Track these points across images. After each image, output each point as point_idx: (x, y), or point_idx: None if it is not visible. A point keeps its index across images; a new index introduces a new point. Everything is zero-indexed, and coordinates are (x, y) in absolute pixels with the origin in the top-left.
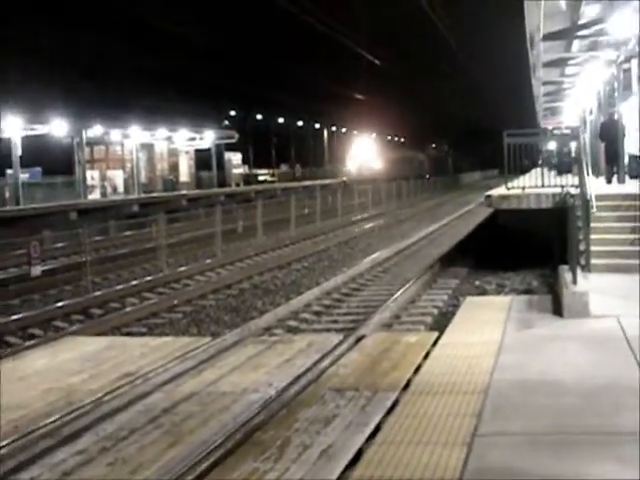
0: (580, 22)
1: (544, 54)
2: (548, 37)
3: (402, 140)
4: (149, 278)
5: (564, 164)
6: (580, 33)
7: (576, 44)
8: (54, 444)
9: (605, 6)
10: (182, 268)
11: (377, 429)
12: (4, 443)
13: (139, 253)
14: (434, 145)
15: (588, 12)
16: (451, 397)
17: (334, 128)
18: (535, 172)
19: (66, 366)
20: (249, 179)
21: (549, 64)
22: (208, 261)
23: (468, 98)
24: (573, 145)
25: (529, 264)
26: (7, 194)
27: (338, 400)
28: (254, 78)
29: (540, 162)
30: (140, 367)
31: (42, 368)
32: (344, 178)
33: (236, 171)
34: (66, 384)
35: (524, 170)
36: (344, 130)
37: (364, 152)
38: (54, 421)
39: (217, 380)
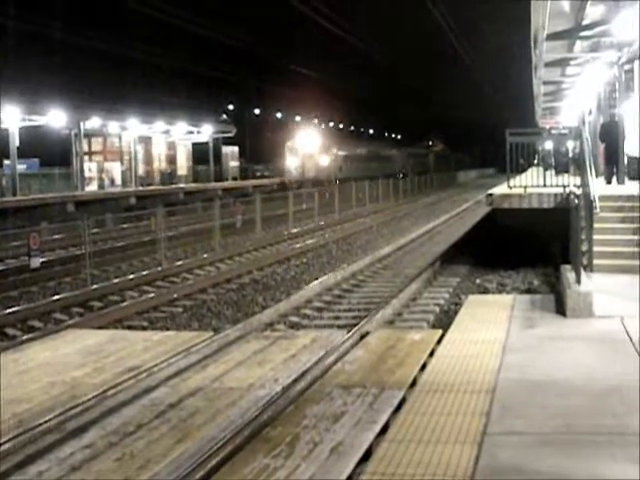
0: (584, 23)
1: (546, 54)
2: (552, 37)
3: (371, 133)
4: (148, 271)
5: (561, 164)
6: (583, 34)
7: (578, 45)
8: (60, 438)
9: (609, 7)
10: (181, 262)
11: (386, 427)
12: (9, 437)
13: (137, 246)
14: (430, 142)
15: (592, 13)
16: (458, 395)
17: (279, 115)
18: (534, 171)
19: (68, 359)
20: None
21: (551, 64)
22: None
23: (467, 96)
24: (570, 145)
25: (529, 263)
26: (4, 185)
27: (345, 397)
28: None
29: (536, 162)
30: (144, 361)
31: (44, 361)
32: (282, 179)
33: (233, 164)
34: (69, 378)
35: (521, 169)
36: (298, 119)
37: (314, 146)
38: (59, 415)
39: (222, 375)
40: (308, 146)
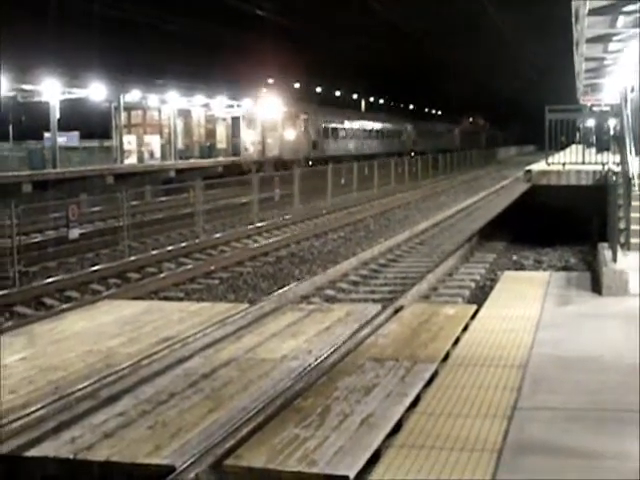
0: None
1: (588, 29)
2: (593, 12)
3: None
4: (185, 244)
5: (603, 142)
6: (626, 9)
7: (621, 20)
8: (94, 405)
9: None
10: (218, 234)
11: (417, 400)
12: (45, 403)
13: (175, 219)
14: (471, 119)
15: None
16: (490, 370)
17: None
18: (574, 149)
19: (104, 329)
20: None
21: (593, 40)
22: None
23: (507, 72)
24: (612, 123)
25: (567, 241)
26: (45, 157)
27: (377, 370)
28: None
29: (577, 139)
30: (179, 331)
31: (80, 330)
32: (236, 159)
33: None
34: (105, 347)
35: (562, 147)
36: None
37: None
38: (93, 383)
39: (256, 346)
40: (270, 115)
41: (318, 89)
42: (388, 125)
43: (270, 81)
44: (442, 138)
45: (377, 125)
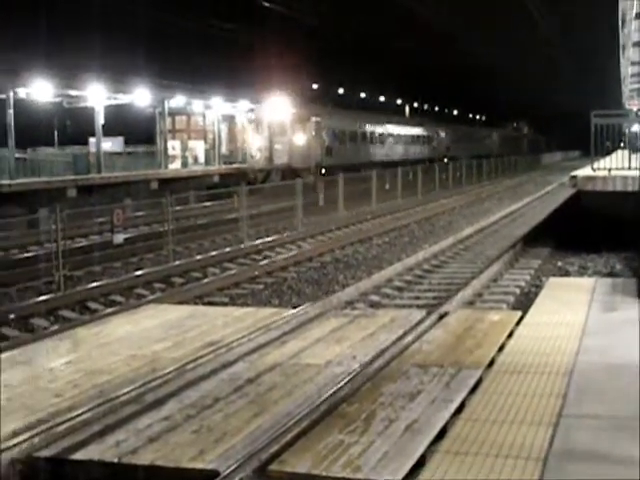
0: None
1: (635, 33)
2: None
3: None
4: (230, 249)
5: None
6: None
7: None
8: (139, 409)
9: None
10: (263, 240)
11: (462, 406)
12: (90, 407)
13: (219, 224)
14: (515, 124)
15: None
16: (535, 377)
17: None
18: (619, 154)
19: (149, 333)
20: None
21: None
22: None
23: (551, 78)
24: None
25: (612, 247)
26: (90, 162)
27: (422, 376)
28: None
29: (622, 144)
30: (224, 336)
31: (125, 335)
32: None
33: None
34: (150, 351)
35: (607, 152)
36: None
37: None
38: (138, 387)
39: (300, 352)
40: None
41: (340, 90)
42: (418, 129)
43: (281, 81)
44: (479, 144)
45: (404, 130)
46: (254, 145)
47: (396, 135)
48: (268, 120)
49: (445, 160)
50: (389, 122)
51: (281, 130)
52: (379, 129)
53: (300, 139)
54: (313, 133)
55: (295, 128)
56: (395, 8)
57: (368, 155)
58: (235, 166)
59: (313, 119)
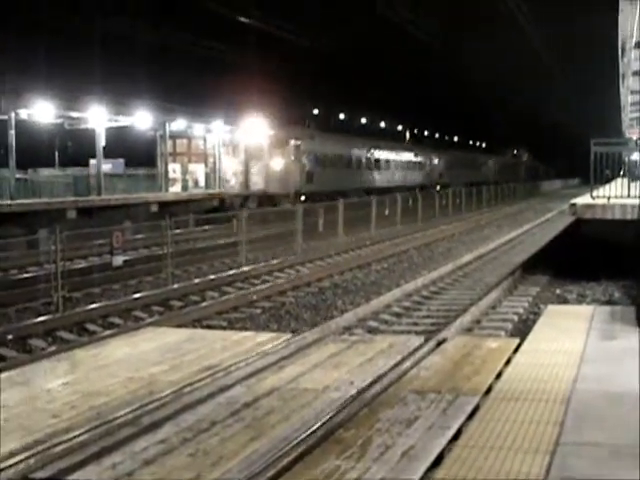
0: None
1: (635, 62)
2: None
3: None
4: (228, 273)
5: None
6: None
7: None
8: (136, 432)
9: None
10: (261, 264)
11: (459, 433)
12: (87, 428)
13: (218, 248)
14: (515, 151)
15: None
16: (533, 404)
17: None
18: (619, 182)
19: (147, 356)
20: None
21: (639, 73)
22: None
23: (551, 105)
24: None
25: (611, 275)
26: (90, 184)
27: (419, 402)
28: None
29: (622, 173)
30: (221, 360)
31: (123, 357)
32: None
33: None
34: (147, 374)
35: (607, 180)
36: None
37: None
38: (135, 409)
39: (298, 376)
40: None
41: (316, 111)
42: (408, 155)
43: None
44: (475, 170)
45: (393, 155)
46: (229, 169)
47: (384, 160)
48: (245, 143)
49: (437, 187)
50: (377, 147)
51: (257, 154)
52: (365, 154)
53: (277, 163)
54: (292, 157)
55: (272, 152)
56: (390, 30)
57: (352, 182)
58: (210, 192)
59: (292, 142)
